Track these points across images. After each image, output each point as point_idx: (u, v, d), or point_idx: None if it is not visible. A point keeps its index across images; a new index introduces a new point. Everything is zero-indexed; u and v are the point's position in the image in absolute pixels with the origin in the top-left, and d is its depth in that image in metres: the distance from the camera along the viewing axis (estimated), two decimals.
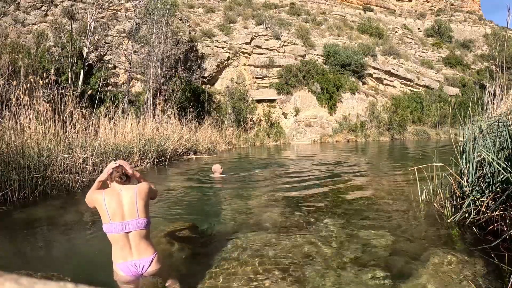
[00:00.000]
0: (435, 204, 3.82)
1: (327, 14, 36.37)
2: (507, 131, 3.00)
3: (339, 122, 22.27)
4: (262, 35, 24.61)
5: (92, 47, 14.67)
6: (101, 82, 12.37)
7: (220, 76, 23.34)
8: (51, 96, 6.08)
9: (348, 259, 2.55)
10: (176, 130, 11.25)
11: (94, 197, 2.07)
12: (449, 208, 3.45)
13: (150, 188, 2.15)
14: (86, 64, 14.07)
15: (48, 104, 5.82)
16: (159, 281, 2.09)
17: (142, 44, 16.01)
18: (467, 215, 3.25)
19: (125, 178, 2.11)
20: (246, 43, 24.12)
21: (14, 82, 5.77)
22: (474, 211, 3.19)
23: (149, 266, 2.04)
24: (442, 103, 24.65)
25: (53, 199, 5.01)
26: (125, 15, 18.86)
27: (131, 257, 2.02)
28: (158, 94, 13.29)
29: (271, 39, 24.59)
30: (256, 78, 23.72)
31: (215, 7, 31.18)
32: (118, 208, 2.01)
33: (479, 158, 3.37)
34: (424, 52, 33.52)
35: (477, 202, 3.21)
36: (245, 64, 24.15)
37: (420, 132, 23.03)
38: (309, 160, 10.68)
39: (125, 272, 2.03)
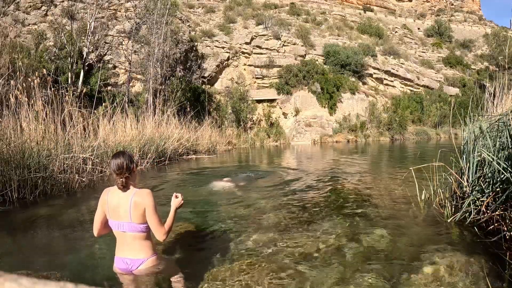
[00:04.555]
0: (435, 204, 3.82)
1: (327, 14, 36.38)
2: (507, 131, 3.00)
3: (339, 122, 22.25)
4: (262, 35, 24.59)
5: (92, 47, 14.66)
6: (101, 82, 12.35)
7: (220, 76, 23.33)
8: (49, 96, 6.07)
9: (349, 259, 2.55)
10: (176, 130, 11.24)
11: (101, 198, 2.15)
12: (449, 208, 3.45)
13: (145, 208, 2.05)
14: (86, 64, 14.06)
15: (46, 104, 5.81)
16: (154, 279, 2.14)
17: (142, 44, 16.00)
18: (467, 215, 3.25)
19: (126, 186, 2.11)
20: (246, 43, 24.11)
21: (13, 82, 5.77)
22: (474, 211, 3.19)
23: (139, 265, 2.09)
24: (442, 103, 24.63)
25: (53, 199, 5.01)
26: (125, 15, 18.86)
27: (123, 254, 2.11)
28: (158, 94, 13.28)
29: (271, 39, 24.57)
30: (256, 78, 23.71)
31: (215, 7, 31.19)
32: (116, 208, 2.08)
33: (479, 158, 3.37)
34: (424, 52, 33.52)
35: (477, 202, 3.21)
36: (245, 64, 24.14)
37: (420, 132, 23.02)
38: (311, 162, 10.66)
39: (117, 265, 2.14)
